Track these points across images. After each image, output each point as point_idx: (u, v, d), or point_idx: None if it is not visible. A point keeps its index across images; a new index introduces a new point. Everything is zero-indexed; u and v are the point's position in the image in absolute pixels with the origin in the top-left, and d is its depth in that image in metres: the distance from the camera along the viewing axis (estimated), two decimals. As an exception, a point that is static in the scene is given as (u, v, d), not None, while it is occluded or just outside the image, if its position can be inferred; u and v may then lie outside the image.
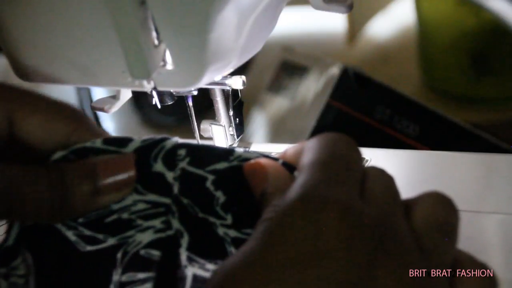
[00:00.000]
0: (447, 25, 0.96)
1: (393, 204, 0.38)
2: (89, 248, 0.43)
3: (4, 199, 0.41)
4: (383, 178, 0.40)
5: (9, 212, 0.42)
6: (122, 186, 0.43)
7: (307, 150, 0.40)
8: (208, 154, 0.44)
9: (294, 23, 1.10)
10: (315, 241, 0.34)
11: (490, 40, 0.94)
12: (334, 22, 1.09)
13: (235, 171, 0.43)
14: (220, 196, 0.42)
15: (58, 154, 0.44)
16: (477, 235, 0.50)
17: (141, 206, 0.43)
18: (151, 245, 0.43)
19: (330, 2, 0.49)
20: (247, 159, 0.43)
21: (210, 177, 0.43)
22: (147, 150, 0.44)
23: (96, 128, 0.47)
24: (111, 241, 0.43)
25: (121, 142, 0.44)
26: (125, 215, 0.43)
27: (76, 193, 0.42)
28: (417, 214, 0.38)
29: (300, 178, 0.38)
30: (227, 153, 0.44)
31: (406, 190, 0.56)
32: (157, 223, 0.43)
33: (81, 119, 0.46)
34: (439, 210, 0.38)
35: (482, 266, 0.38)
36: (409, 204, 0.39)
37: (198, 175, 0.43)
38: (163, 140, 0.44)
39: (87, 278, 0.42)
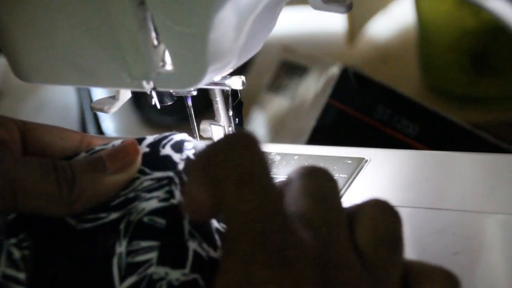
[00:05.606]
0: (447, 25, 0.96)
1: (334, 226, 0.36)
2: (86, 225, 0.43)
3: (9, 193, 0.41)
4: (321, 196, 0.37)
5: (16, 206, 0.42)
6: (127, 165, 0.43)
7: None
8: None
9: (294, 23, 1.10)
10: None
11: (490, 40, 0.94)
12: (334, 22, 1.09)
13: None
14: None
15: (81, 156, 0.45)
16: (477, 235, 0.50)
17: (146, 183, 0.44)
18: (156, 212, 0.42)
19: (329, 2, 0.49)
20: None
21: None
22: (157, 142, 0.45)
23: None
24: (113, 216, 0.43)
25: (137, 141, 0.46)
26: (131, 194, 0.43)
27: (84, 181, 0.42)
28: (360, 229, 0.37)
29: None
30: None
31: (406, 190, 0.56)
32: (161, 193, 0.43)
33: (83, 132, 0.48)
34: (381, 222, 0.37)
35: (444, 272, 0.37)
36: (353, 216, 0.38)
37: None
38: (173, 134, 0.46)
39: (85, 253, 0.42)
